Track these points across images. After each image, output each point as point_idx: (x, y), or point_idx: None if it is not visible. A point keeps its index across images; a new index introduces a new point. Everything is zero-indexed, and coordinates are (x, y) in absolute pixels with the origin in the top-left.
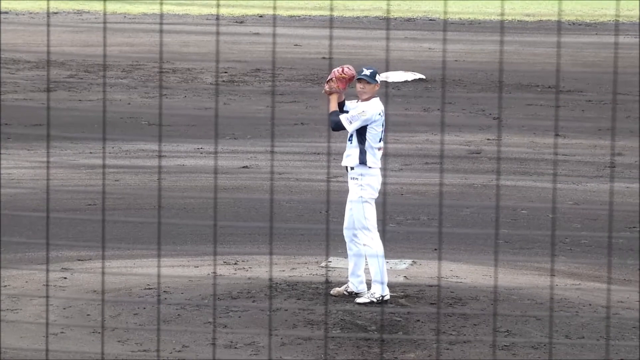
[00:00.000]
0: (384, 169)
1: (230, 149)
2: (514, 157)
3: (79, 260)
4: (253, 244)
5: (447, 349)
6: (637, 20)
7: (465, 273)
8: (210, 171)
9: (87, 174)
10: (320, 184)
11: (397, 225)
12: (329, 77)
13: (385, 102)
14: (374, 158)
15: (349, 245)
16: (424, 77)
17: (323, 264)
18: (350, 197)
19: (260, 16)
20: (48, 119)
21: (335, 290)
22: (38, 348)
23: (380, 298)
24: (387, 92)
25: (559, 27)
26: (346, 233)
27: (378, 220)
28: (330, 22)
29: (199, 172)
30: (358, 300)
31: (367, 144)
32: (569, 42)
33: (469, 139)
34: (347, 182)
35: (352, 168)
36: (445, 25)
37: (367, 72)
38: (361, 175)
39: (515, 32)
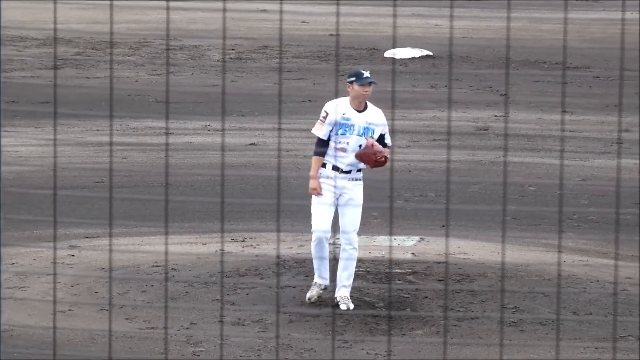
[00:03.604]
0: (391, 146)
1: (238, 126)
2: (522, 134)
3: (86, 237)
4: (260, 221)
5: (455, 326)
6: None
7: (473, 249)
8: (218, 148)
9: (94, 152)
10: None
11: (404, 202)
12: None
13: (393, 79)
14: None
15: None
16: (431, 53)
17: (331, 241)
18: (356, 202)
19: None
20: (55, 97)
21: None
22: (46, 325)
23: None
24: (395, 69)
25: (566, 3)
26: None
27: (385, 196)
28: None
29: (207, 149)
30: (350, 306)
31: None
32: (576, 18)
33: (477, 116)
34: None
35: (359, 170)
36: (452, 2)
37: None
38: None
39: (522, 8)
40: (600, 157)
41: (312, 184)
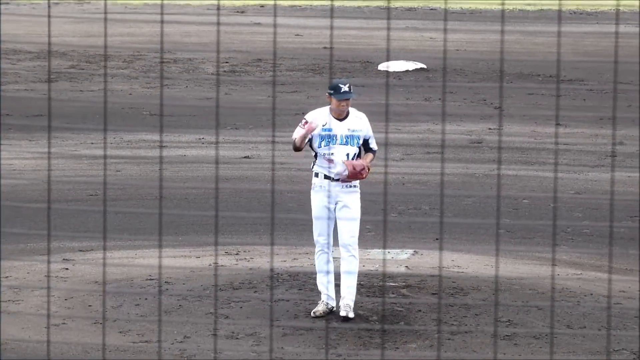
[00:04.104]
0: (385, 159)
1: (232, 139)
2: (515, 147)
3: (80, 251)
4: (254, 234)
5: (449, 339)
6: (638, 10)
7: (467, 263)
8: (212, 161)
9: (88, 165)
10: None
11: (398, 215)
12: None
13: (387, 92)
14: None
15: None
16: (425, 66)
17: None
18: (352, 211)
19: (262, 6)
20: (49, 110)
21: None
22: (40, 339)
23: None
24: (388, 82)
25: (560, 16)
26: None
27: (379, 209)
28: (331, 12)
29: (201, 162)
30: (350, 315)
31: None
32: (570, 31)
33: (471, 129)
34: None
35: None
36: (446, 15)
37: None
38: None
39: (516, 22)
40: (594, 170)
41: (306, 127)
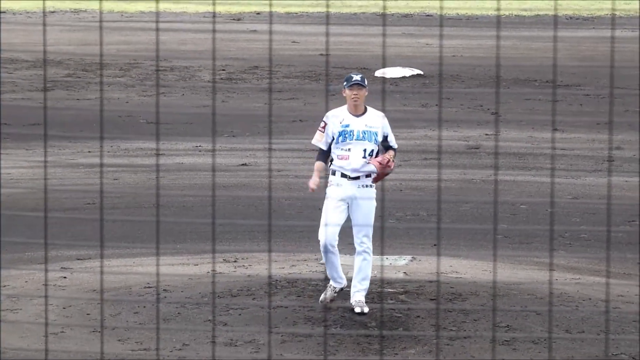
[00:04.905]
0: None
1: (229, 147)
2: (513, 152)
3: (78, 259)
4: (252, 242)
5: (448, 345)
6: (635, 14)
7: (465, 268)
8: (209, 169)
9: (85, 173)
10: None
11: (396, 221)
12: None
13: (383, 99)
14: None
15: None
16: (421, 72)
17: (322, 261)
18: (367, 213)
19: (258, 13)
20: (45, 118)
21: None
22: (38, 348)
23: None
24: (385, 88)
25: (556, 21)
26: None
27: (377, 216)
28: (327, 19)
29: (198, 170)
30: (365, 310)
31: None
32: (566, 36)
33: (468, 134)
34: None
35: (367, 175)
36: (442, 21)
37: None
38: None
39: (513, 27)
40: (592, 175)
41: (310, 182)
